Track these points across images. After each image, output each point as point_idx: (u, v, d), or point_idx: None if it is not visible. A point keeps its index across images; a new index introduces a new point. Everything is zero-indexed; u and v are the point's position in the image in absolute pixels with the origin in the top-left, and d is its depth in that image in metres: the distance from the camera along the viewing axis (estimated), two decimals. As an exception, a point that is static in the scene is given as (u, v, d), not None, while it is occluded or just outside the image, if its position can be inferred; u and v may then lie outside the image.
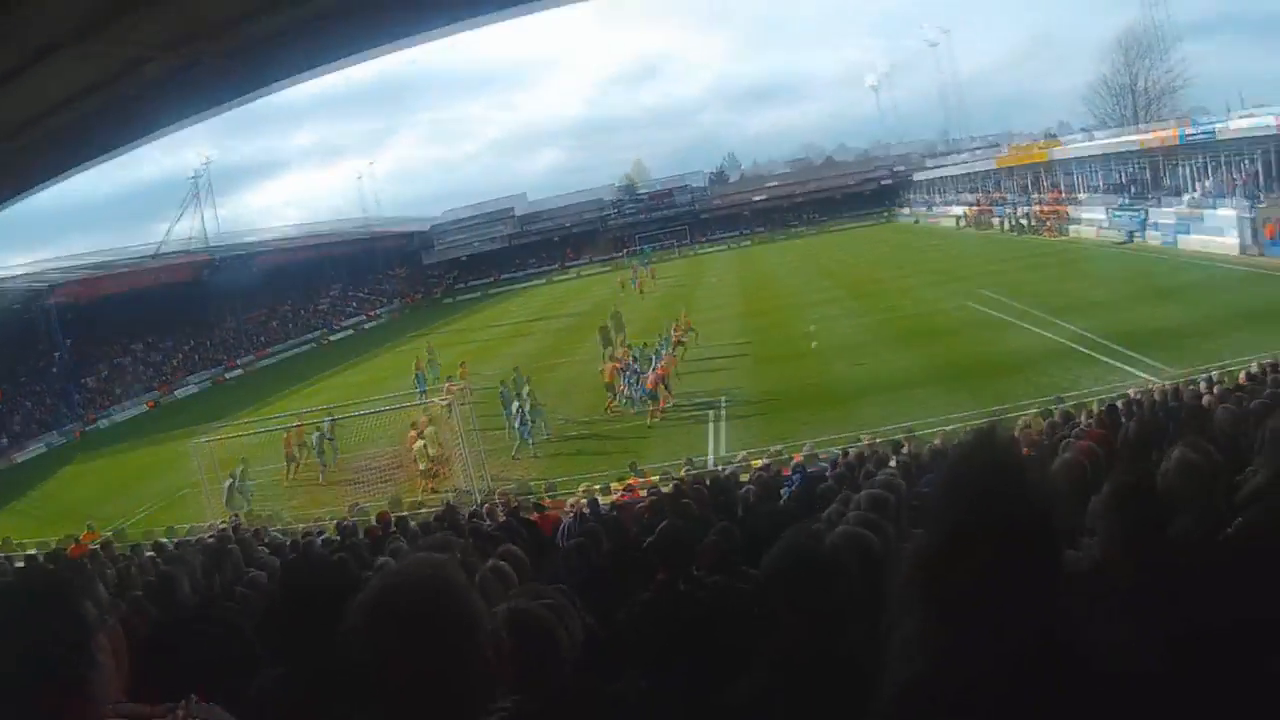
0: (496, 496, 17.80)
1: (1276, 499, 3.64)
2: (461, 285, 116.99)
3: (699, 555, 6.08)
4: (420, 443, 25.66)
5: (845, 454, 15.06)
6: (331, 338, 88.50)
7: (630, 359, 31.85)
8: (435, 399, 29.12)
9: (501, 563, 5.72)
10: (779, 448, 19.41)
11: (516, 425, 28.19)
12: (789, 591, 3.39)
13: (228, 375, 74.98)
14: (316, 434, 29.99)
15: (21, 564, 17.04)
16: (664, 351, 33.12)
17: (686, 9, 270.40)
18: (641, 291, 67.16)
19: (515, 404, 28.46)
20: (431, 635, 2.03)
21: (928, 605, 1.90)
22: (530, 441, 27.98)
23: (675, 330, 36.99)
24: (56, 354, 65.33)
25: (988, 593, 1.79)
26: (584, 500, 15.12)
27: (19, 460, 53.47)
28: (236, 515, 22.38)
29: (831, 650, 3.17)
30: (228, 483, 26.28)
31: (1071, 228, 65.59)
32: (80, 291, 68.13)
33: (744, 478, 16.09)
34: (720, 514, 9.50)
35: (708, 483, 13.50)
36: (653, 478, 19.46)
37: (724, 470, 17.59)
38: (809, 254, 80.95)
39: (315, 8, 12.58)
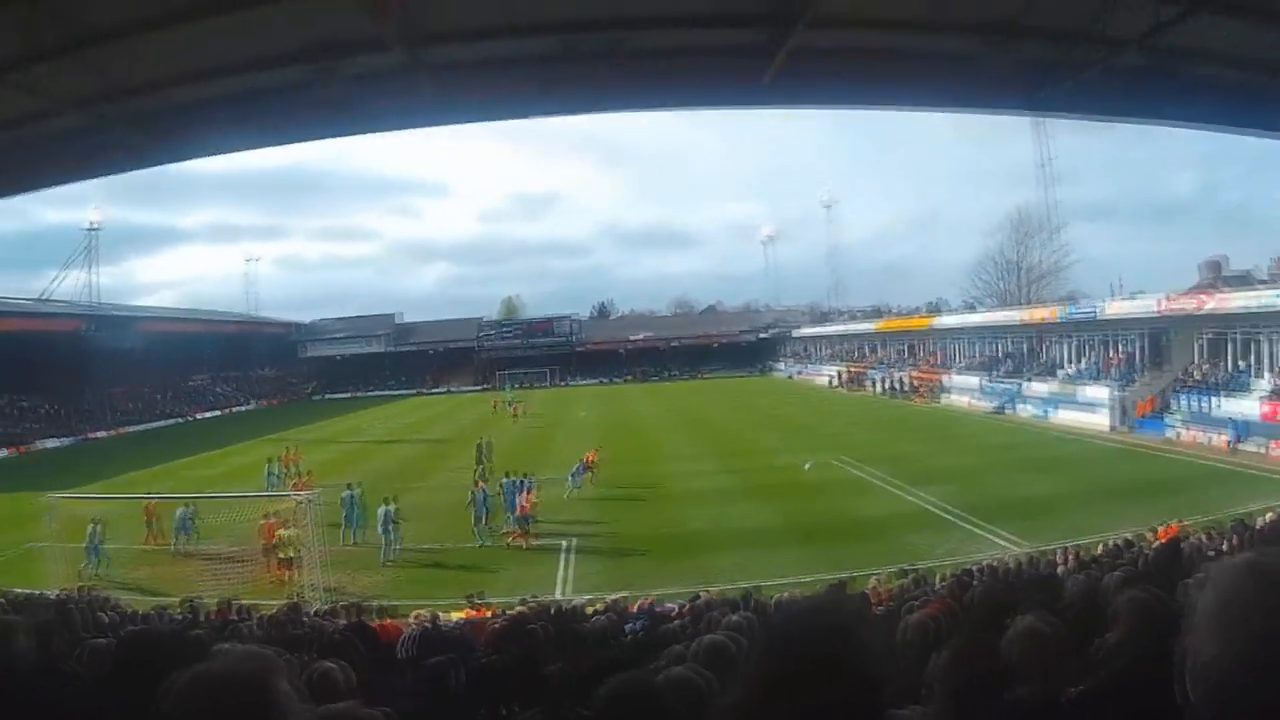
0: (339, 607, 17.49)
1: (1120, 665, 3.70)
2: (321, 395, 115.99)
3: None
4: (287, 531, 24.92)
5: (696, 598, 14.96)
6: (195, 419, 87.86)
7: (482, 488, 30.80)
8: (292, 495, 28.01)
9: (331, 666, 5.59)
10: (621, 595, 19.04)
11: (380, 532, 27.87)
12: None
13: (90, 436, 74.11)
14: (181, 510, 29.16)
15: None
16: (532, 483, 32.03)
17: (586, 150, 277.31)
18: (515, 417, 67.67)
19: (382, 510, 27.96)
20: None
21: None
22: (394, 551, 27.68)
23: (588, 460, 36.86)
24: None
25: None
26: (426, 614, 14.74)
27: None
28: (75, 588, 21.47)
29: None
30: (88, 537, 25.84)
31: (945, 396, 67.73)
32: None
33: (595, 608, 15.85)
34: (562, 650, 9.30)
35: (553, 611, 13.32)
36: (490, 611, 18.82)
37: (570, 603, 17.19)
38: (679, 400, 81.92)
39: (227, 87, 12.62)
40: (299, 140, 15.22)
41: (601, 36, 12.61)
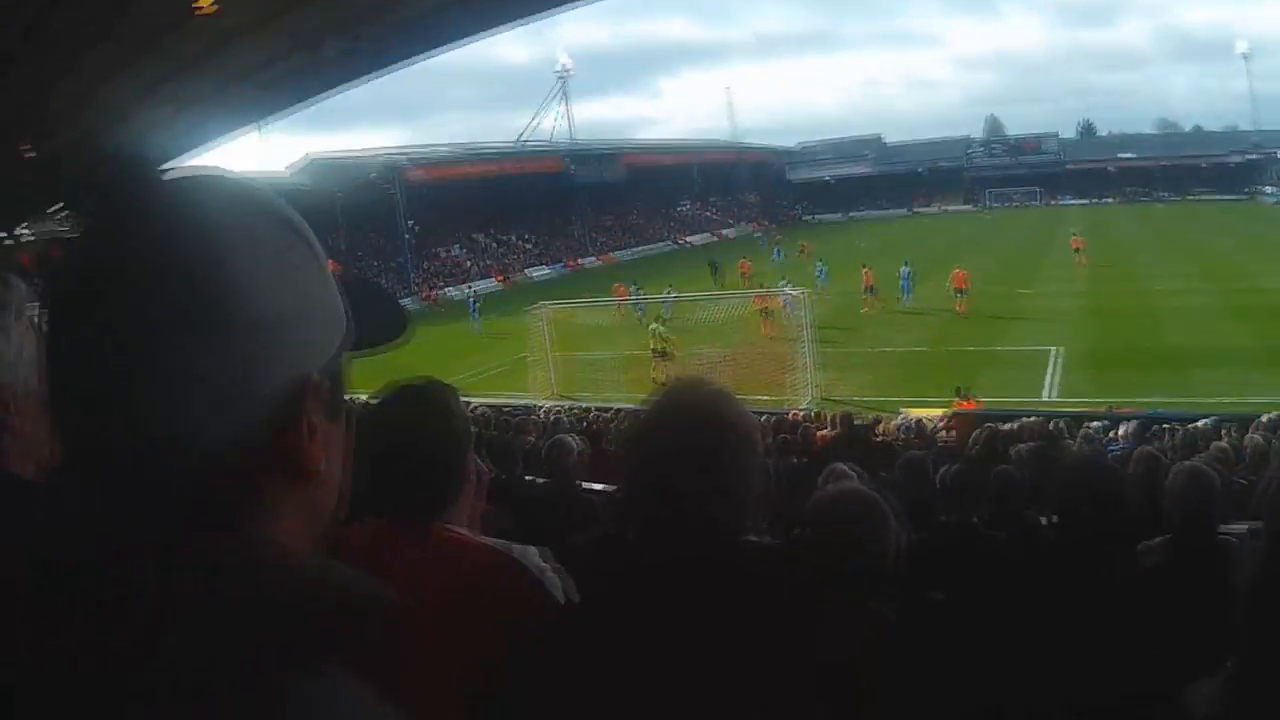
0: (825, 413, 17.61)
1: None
2: (812, 214, 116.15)
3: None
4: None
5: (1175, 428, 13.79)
6: (685, 244, 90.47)
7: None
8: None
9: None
10: (1105, 413, 18.07)
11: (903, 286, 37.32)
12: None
13: (577, 264, 78.09)
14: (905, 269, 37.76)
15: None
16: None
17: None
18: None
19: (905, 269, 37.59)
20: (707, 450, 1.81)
21: None
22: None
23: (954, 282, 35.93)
24: (405, 233, 68.62)
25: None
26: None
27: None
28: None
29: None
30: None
31: None
32: (433, 175, 71.37)
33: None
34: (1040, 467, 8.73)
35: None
36: (978, 401, 19.43)
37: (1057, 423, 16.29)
38: (1165, 222, 76.18)
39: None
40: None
41: None
